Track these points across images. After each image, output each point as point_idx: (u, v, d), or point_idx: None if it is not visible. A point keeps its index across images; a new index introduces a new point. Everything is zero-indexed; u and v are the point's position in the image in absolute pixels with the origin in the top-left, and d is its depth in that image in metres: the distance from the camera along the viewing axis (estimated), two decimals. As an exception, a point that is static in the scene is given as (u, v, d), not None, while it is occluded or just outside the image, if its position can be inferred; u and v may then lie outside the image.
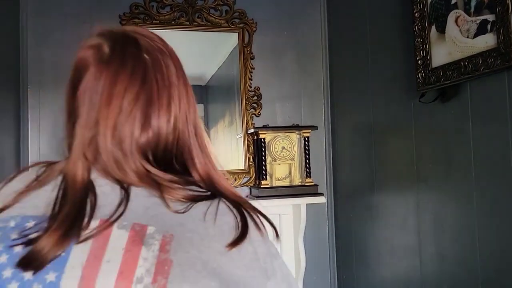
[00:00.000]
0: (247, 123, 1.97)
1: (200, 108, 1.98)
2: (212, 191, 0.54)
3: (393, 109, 1.57)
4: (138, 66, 0.55)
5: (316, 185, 1.90)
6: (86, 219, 0.47)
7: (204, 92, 1.99)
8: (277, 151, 1.86)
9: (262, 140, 1.85)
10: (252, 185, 1.97)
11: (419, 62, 1.34)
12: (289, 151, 1.86)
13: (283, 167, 1.89)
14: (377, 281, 1.70)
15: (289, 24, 2.08)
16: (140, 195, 0.51)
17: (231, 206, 0.52)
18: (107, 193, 0.50)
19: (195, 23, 1.94)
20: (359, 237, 1.82)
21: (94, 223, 0.47)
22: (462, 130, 1.22)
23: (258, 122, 2.00)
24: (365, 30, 1.75)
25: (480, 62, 1.12)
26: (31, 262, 0.45)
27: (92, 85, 0.54)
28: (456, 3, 1.22)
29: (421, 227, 1.42)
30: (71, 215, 0.47)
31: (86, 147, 0.52)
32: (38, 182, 0.53)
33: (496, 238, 1.12)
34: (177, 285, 0.44)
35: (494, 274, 1.13)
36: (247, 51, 1.99)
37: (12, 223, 0.48)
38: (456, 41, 1.22)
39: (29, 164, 0.55)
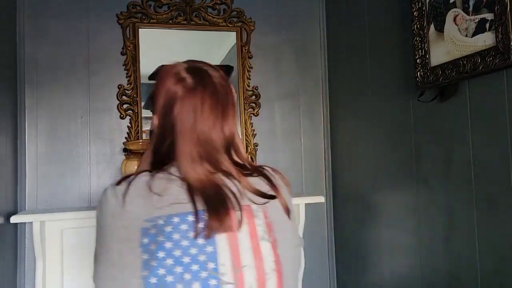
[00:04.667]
0: (245, 123, 1.97)
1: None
2: (253, 169, 0.80)
3: (392, 108, 1.57)
4: (213, 90, 0.78)
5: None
6: (230, 215, 0.69)
7: (202, 92, 1.99)
8: None
9: None
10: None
11: (418, 61, 1.34)
12: None
13: None
14: (377, 281, 1.69)
15: (287, 23, 2.07)
16: (231, 182, 0.74)
17: (264, 176, 0.79)
18: (223, 184, 0.73)
19: (193, 22, 1.93)
20: (359, 237, 1.82)
21: (223, 210, 0.70)
22: (461, 128, 1.22)
23: (257, 121, 2.00)
24: (364, 29, 1.75)
25: (479, 61, 1.12)
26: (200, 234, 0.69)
27: (187, 107, 0.76)
28: (454, 1, 1.21)
29: (420, 227, 1.41)
30: (215, 207, 0.69)
31: (192, 150, 0.74)
32: (162, 192, 0.70)
33: (495, 237, 1.12)
34: (279, 233, 0.74)
35: (494, 274, 1.12)
36: (245, 50, 1.99)
37: (160, 221, 0.68)
38: (455, 40, 1.21)
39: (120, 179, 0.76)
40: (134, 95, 1.85)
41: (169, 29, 1.91)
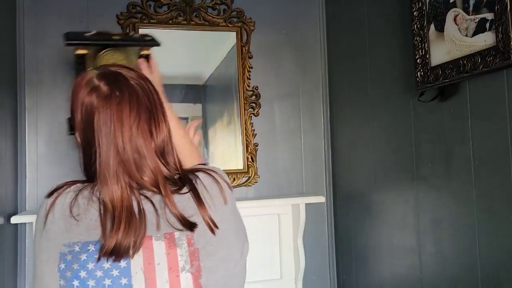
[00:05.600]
0: (245, 123, 1.97)
1: (198, 107, 1.97)
2: (181, 174, 0.73)
3: (392, 108, 1.57)
4: (132, 92, 0.71)
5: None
6: (133, 239, 0.65)
7: (202, 92, 1.99)
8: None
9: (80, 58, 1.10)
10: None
11: (418, 61, 1.34)
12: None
13: None
14: (377, 280, 1.70)
15: (287, 23, 2.07)
16: (150, 203, 0.68)
17: (194, 191, 0.71)
18: (140, 207, 0.67)
19: (193, 22, 1.93)
20: (359, 237, 1.82)
21: (139, 239, 0.65)
22: (461, 128, 1.22)
23: (257, 121, 2.00)
24: (364, 28, 1.75)
25: (479, 60, 1.12)
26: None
27: (104, 117, 0.68)
28: (454, 1, 1.21)
29: (421, 227, 1.41)
30: (122, 236, 0.64)
31: (114, 165, 0.68)
32: (80, 215, 0.67)
33: (495, 237, 1.12)
34: (205, 260, 0.67)
35: (494, 273, 1.12)
36: (245, 50, 1.99)
37: (76, 248, 0.65)
38: (455, 40, 1.21)
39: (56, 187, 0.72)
40: (134, 95, 1.85)
41: (169, 29, 1.91)
